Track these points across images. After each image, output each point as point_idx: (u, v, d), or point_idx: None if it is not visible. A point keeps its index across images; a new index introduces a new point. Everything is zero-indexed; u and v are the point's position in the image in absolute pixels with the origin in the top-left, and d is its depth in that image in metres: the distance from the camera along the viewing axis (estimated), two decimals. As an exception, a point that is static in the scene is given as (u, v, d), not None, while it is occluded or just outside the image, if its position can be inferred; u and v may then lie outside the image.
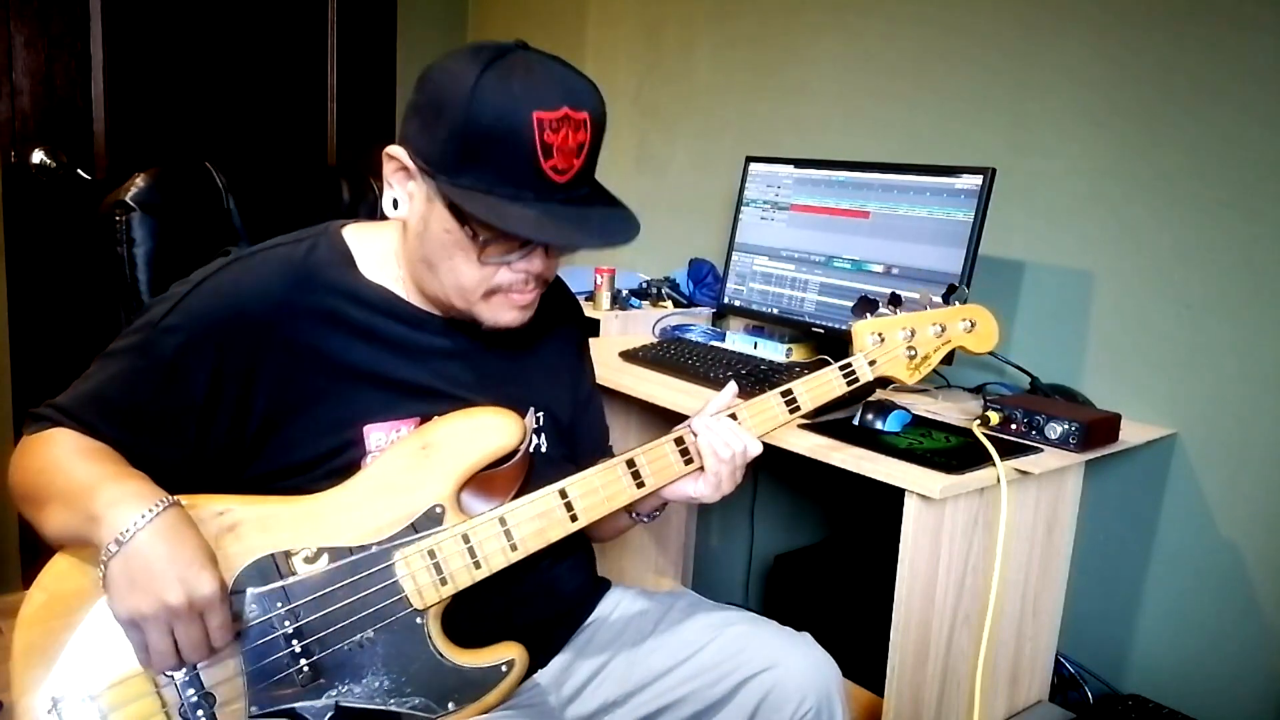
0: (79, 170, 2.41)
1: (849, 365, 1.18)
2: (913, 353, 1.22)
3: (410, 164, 1.00)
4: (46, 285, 2.41)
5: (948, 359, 1.63)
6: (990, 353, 1.71)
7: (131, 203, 1.29)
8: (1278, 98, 1.48)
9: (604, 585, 1.26)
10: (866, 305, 1.23)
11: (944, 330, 1.24)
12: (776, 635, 1.13)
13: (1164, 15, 1.59)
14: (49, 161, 2.37)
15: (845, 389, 1.18)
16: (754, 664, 1.09)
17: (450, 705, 1.00)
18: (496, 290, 1.03)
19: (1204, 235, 1.57)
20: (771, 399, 1.14)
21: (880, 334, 1.20)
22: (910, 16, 1.94)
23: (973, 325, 1.26)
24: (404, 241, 1.06)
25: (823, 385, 1.17)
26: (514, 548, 1.02)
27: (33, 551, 1.01)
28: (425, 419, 1.05)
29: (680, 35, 2.45)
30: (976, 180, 1.65)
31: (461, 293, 1.03)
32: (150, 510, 0.90)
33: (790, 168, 1.96)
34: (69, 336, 2.42)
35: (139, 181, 1.31)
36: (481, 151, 0.95)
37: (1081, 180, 1.71)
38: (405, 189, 1.02)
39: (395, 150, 1.01)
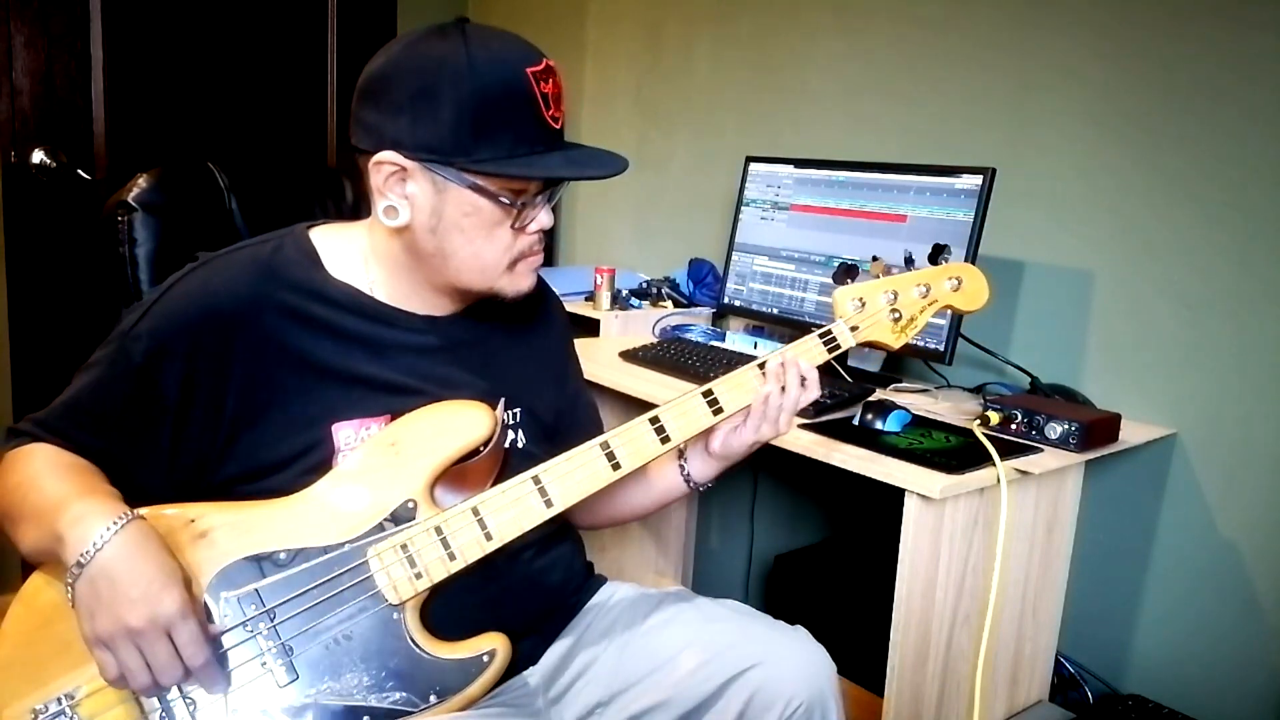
0: (79, 170, 2.41)
1: (829, 332, 1.14)
2: (897, 315, 1.17)
3: (408, 163, 0.98)
4: (46, 285, 2.41)
5: (949, 354, 1.64)
6: (983, 348, 1.73)
7: (134, 203, 1.29)
8: (1278, 98, 1.48)
9: (599, 580, 1.25)
10: (847, 271, 1.20)
11: (929, 290, 1.19)
12: (767, 630, 1.10)
13: (1164, 15, 1.60)
14: (49, 161, 2.38)
15: (826, 356, 1.15)
16: (741, 661, 1.06)
17: (432, 698, 1.00)
18: (519, 258, 1.05)
19: (1204, 235, 1.57)
20: (748, 373, 1.12)
21: (861, 299, 1.16)
22: (910, 16, 1.94)
23: (960, 283, 1.21)
24: (398, 246, 1.05)
25: (803, 354, 1.13)
26: (489, 537, 1.01)
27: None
28: (395, 416, 1.04)
29: (680, 35, 2.45)
30: (976, 180, 1.65)
31: (484, 272, 1.04)
32: (110, 528, 0.89)
33: (790, 168, 1.96)
34: (69, 337, 2.42)
35: (141, 182, 1.31)
36: (495, 120, 0.96)
37: (1081, 180, 1.71)
38: (402, 191, 1.00)
39: (387, 156, 0.98)
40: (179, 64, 2.55)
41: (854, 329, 1.16)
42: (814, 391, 1.13)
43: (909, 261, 1.22)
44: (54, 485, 0.95)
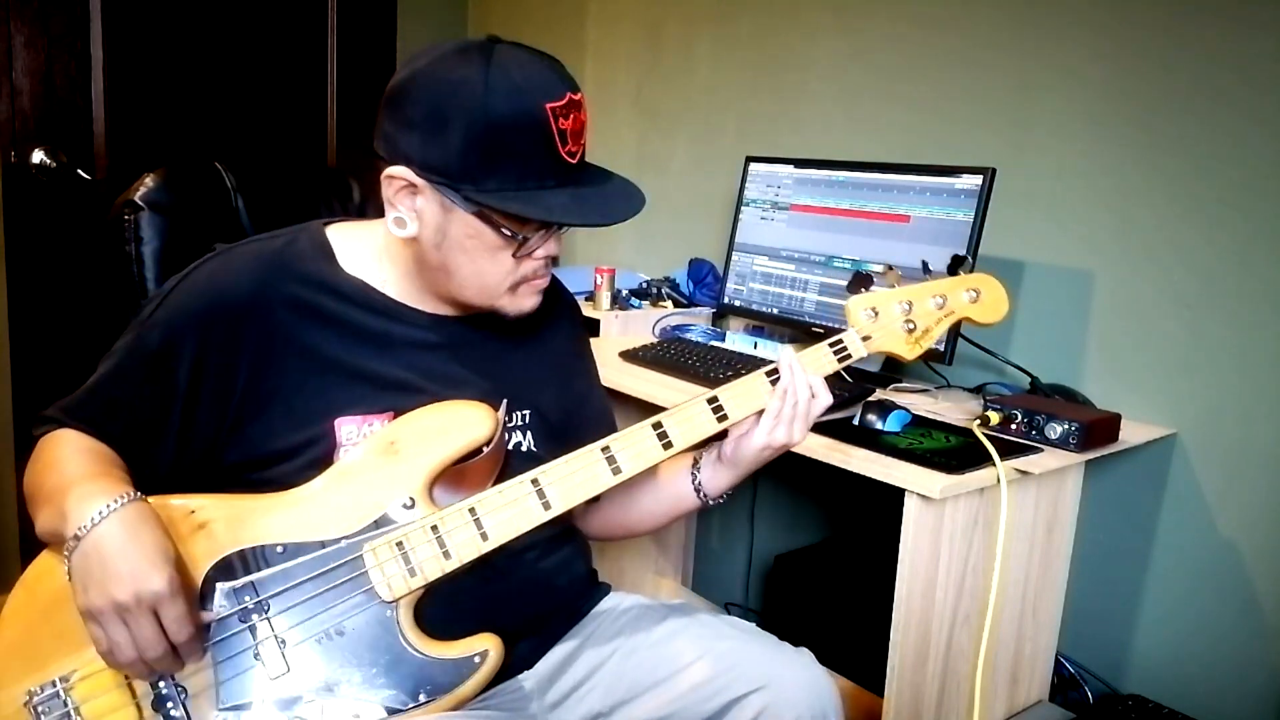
0: (79, 170, 2.41)
1: (840, 341, 1.12)
2: (911, 326, 1.14)
3: (417, 180, 0.99)
4: (46, 285, 2.41)
5: (949, 354, 1.64)
6: (983, 348, 1.73)
7: (140, 202, 1.29)
8: (1278, 98, 1.49)
9: (603, 589, 1.25)
10: (861, 281, 1.19)
11: (946, 301, 1.15)
12: (772, 652, 1.09)
13: (1164, 15, 1.60)
14: (49, 161, 2.38)
15: (836, 366, 1.12)
16: (745, 683, 1.05)
17: (421, 697, 0.99)
18: (521, 281, 1.05)
19: (1204, 235, 1.57)
20: (755, 380, 1.10)
21: (875, 309, 1.13)
22: (910, 16, 1.95)
23: (978, 295, 1.17)
24: (409, 252, 1.06)
25: (812, 363, 1.11)
26: (485, 537, 1.01)
27: (32, 551, 1.02)
28: (398, 413, 1.05)
29: (680, 35, 2.45)
30: (976, 180, 1.65)
31: (485, 291, 1.05)
32: (110, 505, 0.91)
33: (790, 168, 1.96)
34: (69, 336, 2.42)
35: (148, 181, 1.31)
36: (504, 152, 0.96)
37: (1081, 180, 1.71)
38: (412, 205, 1.01)
39: (398, 171, 0.99)
40: (179, 64, 2.55)
41: (866, 338, 1.13)
42: (825, 399, 1.11)
43: (925, 266, 1.21)
44: (69, 468, 0.98)
